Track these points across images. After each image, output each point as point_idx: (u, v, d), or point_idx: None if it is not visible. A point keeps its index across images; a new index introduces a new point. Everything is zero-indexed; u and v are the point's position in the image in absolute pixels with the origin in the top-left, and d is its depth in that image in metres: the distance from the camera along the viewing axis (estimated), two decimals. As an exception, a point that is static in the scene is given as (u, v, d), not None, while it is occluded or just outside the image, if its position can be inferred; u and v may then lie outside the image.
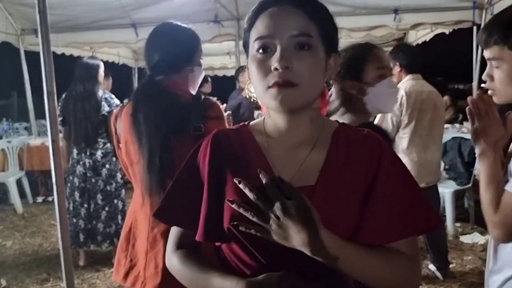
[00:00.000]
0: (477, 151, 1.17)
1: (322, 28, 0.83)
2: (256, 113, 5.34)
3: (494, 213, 1.11)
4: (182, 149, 1.45)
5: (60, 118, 3.24)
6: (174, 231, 0.95)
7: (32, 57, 5.81)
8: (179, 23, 1.67)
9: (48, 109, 2.09)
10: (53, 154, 2.10)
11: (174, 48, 1.59)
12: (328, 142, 0.87)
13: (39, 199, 5.67)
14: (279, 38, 0.79)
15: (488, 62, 1.19)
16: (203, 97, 1.58)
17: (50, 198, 5.61)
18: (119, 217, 3.55)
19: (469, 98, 1.18)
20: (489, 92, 1.20)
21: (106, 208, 3.50)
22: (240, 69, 4.92)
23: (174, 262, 0.93)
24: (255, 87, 0.84)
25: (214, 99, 1.63)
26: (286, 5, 0.82)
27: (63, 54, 5.88)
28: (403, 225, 0.82)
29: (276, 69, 0.78)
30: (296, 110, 0.83)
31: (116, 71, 7.59)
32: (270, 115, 0.89)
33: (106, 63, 7.20)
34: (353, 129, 0.92)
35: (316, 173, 0.83)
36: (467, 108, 1.18)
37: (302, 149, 0.86)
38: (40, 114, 6.79)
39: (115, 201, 3.54)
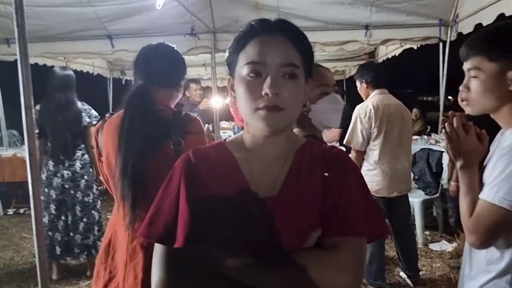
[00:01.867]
0: (458, 165, 1.22)
1: (305, 58, 0.92)
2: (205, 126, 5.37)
3: (469, 218, 1.16)
4: (161, 162, 1.49)
5: (36, 131, 3.22)
6: (160, 252, 0.90)
7: (3, 66, 5.72)
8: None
9: (25, 123, 2.07)
10: (31, 167, 2.09)
11: (173, 67, 1.73)
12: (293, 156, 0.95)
13: (10, 212, 5.54)
14: (270, 66, 0.87)
15: (466, 74, 1.24)
16: (184, 112, 1.65)
17: (21, 210, 5.50)
18: (96, 228, 3.54)
19: (445, 122, 1.22)
20: (464, 103, 1.25)
21: (84, 220, 3.48)
22: (189, 82, 4.81)
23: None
24: (242, 107, 0.90)
25: (195, 114, 1.70)
26: (276, 34, 0.90)
27: (36, 64, 5.80)
28: (350, 224, 0.88)
29: (266, 94, 0.85)
30: (279, 132, 0.91)
31: (90, 81, 7.53)
32: (249, 131, 0.96)
33: (80, 73, 7.16)
34: (317, 145, 1.00)
35: (280, 185, 0.91)
36: (442, 127, 1.23)
37: (277, 162, 0.94)
38: (10, 125, 6.66)
39: (92, 212, 3.53)
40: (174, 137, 1.54)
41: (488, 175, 1.18)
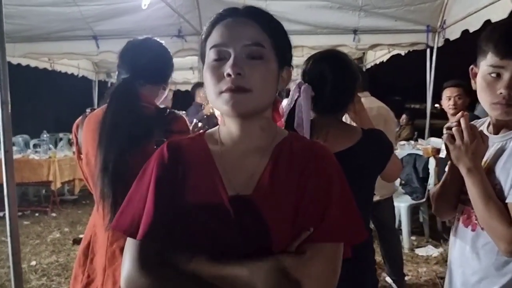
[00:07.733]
0: (463, 169, 1.15)
1: (275, 41, 0.87)
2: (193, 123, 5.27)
3: (509, 227, 1.06)
4: (142, 161, 1.44)
5: None
6: (131, 245, 0.86)
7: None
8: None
9: (1, 118, 2.03)
10: (6, 164, 2.03)
11: (160, 62, 1.66)
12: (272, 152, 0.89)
13: (-10, 215, 5.39)
14: (233, 47, 0.83)
15: (506, 73, 1.11)
16: (168, 110, 1.58)
17: (1, 214, 5.35)
18: None
19: (449, 125, 1.16)
20: (506, 108, 1.13)
21: None
22: (197, 85, 4.75)
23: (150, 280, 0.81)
24: (208, 93, 0.86)
25: (180, 113, 1.63)
26: (241, 17, 0.87)
27: (19, 65, 5.70)
28: (329, 230, 0.82)
29: (229, 75, 0.80)
30: (248, 115, 0.85)
31: (75, 83, 7.43)
32: (225, 123, 0.91)
33: (64, 75, 7.05)
34: (300, 139, 0.95)
35: (255, 183, 0.85)
36: (451, 130, 1.15)
37: (253, 157, 0.88)
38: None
39: None
40: (157, 136, 1.46)
41: (506, 178, 1.11)
